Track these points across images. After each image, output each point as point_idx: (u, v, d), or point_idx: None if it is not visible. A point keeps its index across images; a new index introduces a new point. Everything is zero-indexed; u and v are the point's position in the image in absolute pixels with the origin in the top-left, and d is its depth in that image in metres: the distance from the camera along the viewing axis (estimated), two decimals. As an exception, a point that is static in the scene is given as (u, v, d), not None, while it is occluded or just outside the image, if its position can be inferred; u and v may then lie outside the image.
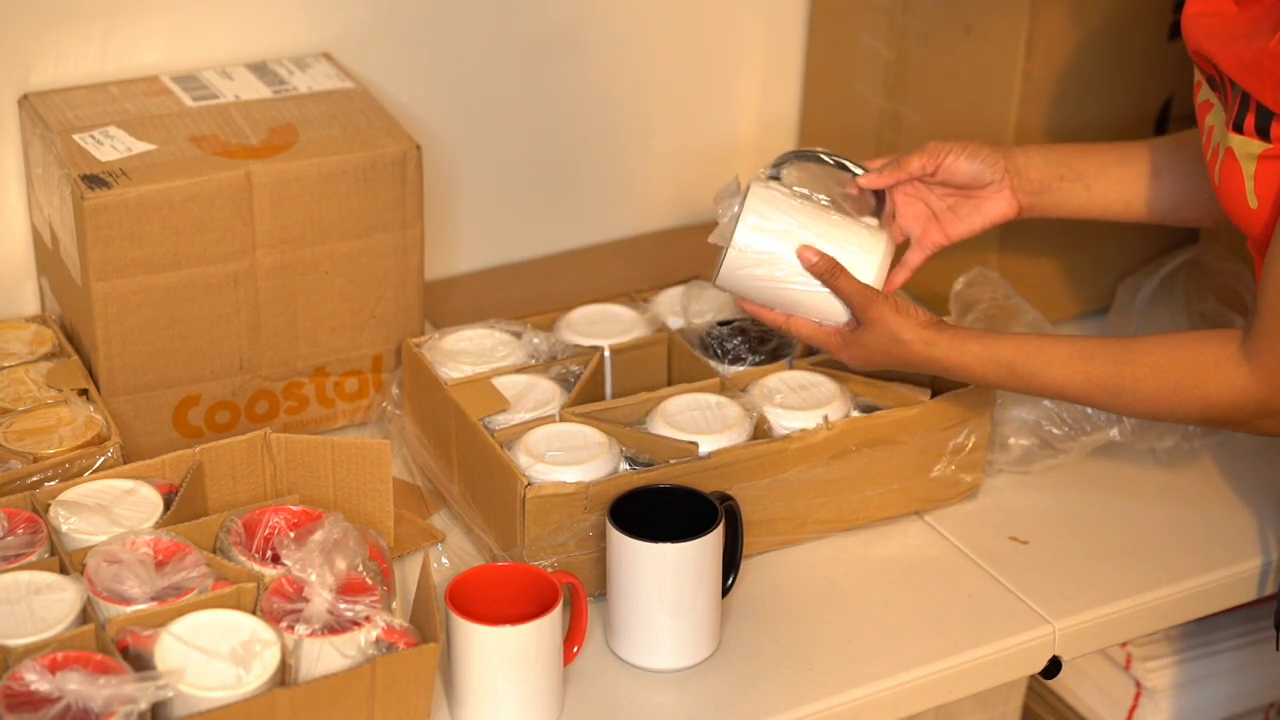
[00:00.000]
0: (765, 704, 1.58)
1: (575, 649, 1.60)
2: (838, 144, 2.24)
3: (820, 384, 1.79)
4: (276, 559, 1.53)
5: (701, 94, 2.25)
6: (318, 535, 1.50)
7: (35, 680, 1.36)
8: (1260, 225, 1.57)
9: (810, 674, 1.62)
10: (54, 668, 1.38)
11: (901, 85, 2.12)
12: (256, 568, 1.52)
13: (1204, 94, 1.63)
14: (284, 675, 1.43)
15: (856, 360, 1.70)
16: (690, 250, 2.23)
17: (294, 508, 1.58)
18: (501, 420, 1.74)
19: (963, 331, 1.65)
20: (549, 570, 1.60)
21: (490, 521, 1.70)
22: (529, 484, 1.64)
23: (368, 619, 1.46)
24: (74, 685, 1.35)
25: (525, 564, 1.59)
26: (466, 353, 1.83)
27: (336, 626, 1.46)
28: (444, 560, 1.72)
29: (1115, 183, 1.78)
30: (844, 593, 1.72)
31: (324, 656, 1.45)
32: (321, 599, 1.46)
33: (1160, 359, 1.58)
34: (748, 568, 1.72)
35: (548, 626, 1.51)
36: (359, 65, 2.00)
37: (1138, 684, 1.99)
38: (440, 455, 1.79)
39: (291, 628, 1.45)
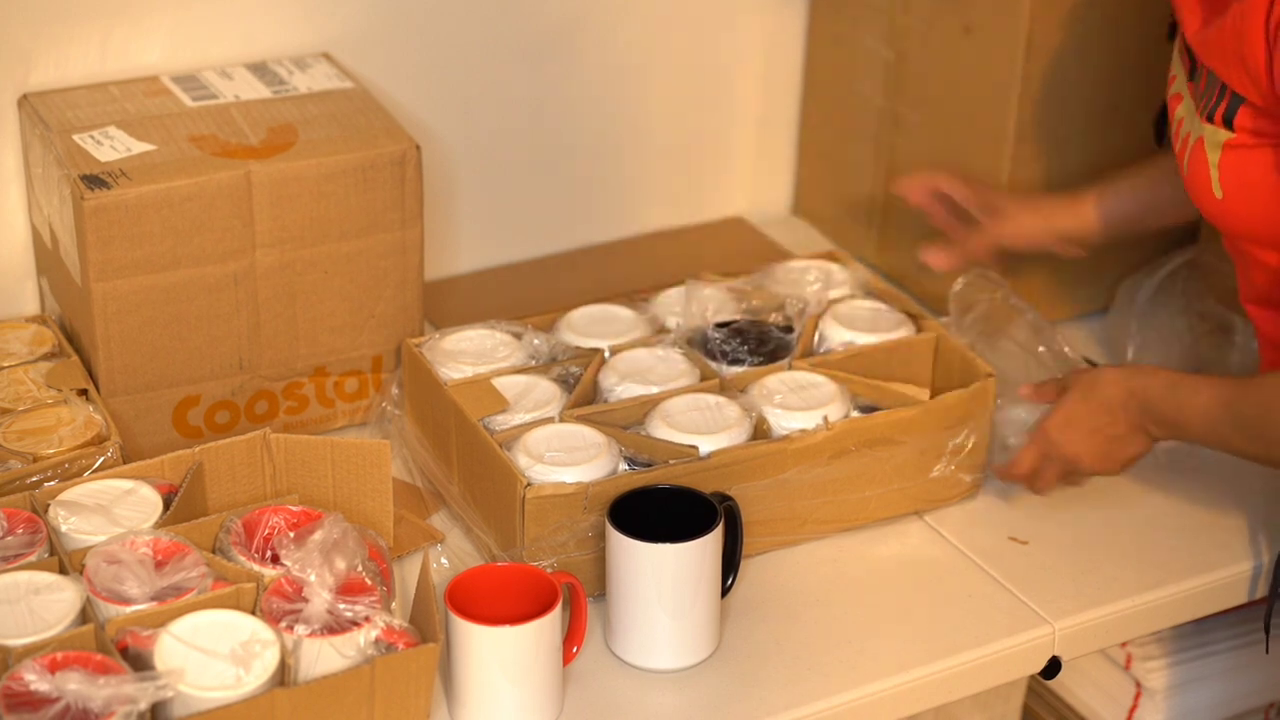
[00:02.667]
0: (765, 704, 1.58)
1: (575, 649, 1.60)
2: (838, 143, 2.25)
3: (820, 384, 1.79)
4: (276, 559, 1.53)
5: (701, 94, 2.25)
6: (317, 535, 1.50)
7: (35, 680, 1.36)
8: (1227, 216, 1.56)
9: (810, 674, 1.62)
10: (54, 668, 1.37)
11: (901, 85, 2.12)
12: (256, 568, 1.52)
13: (1176, 86, 1.63)
14: (284, 675, 1.43)
15: (1065, 432, 1.71)
16: (690, 250, 2.23)
17: (294, 508, 1.58)
18: (501, 421, 1.74)
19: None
20: (548, 570, 1.60)
21: (490, 522, 1.70)
22: (528, 484, 1.64)
23: (367, 619, 1.46)
24: (74, 685, 1.35)
25: (525, 564, 1.59)
26: (466, 353, 1.83)
27: (336, 627, 1.46)
28: (444, 560, 1.72)
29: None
30: (844, 593, 1.72)
31: (323, 657, 1.45)
32: (321, 599, 1.46)
33: None
34: (748, 568, 1.72)
35: (547, 626, 1.51)
36: (359, 65, 2.00)
37: (1138, 684, 1.99)
38: (440, 455, 1.79)
39: (291, 628, 1.45)
